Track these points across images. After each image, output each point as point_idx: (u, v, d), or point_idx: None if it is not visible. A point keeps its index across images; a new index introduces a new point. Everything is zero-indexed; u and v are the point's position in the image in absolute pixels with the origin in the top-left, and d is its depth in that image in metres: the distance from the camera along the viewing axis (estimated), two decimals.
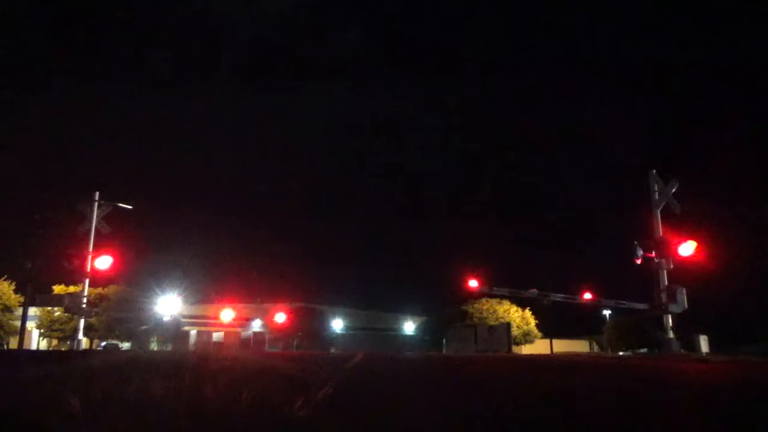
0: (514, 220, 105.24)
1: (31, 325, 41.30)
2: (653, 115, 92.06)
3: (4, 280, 38.78)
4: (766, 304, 36.04)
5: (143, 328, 42.96)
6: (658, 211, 26.31)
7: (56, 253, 29.28)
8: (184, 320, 50.00)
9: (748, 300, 36.91)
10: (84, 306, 28.31)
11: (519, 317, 51.67)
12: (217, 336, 50.83)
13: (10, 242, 33.65)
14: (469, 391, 7.92)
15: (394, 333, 63.36)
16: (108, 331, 43.20)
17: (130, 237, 32.73)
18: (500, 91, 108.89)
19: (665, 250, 25.48)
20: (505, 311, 51.02)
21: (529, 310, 52.43)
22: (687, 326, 27.88)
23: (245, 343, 48.69)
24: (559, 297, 31.04)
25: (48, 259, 30.75)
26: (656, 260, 25.69)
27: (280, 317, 51.20)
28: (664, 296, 25.22)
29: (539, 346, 52.18)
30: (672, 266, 25.46)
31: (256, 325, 55.01)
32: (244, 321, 54.52)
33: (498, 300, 49.90)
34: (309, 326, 51.66)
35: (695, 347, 27.13)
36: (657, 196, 26.39)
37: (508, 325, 44.53)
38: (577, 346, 60.31)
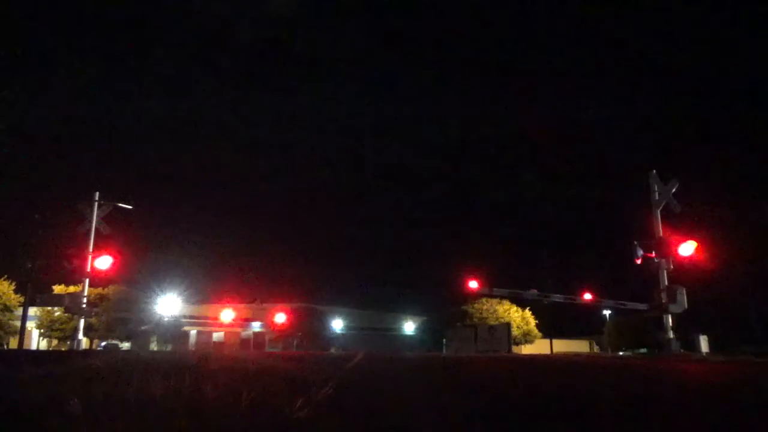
0: (514, 219, 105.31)
1: (31, 325, 41.35)
2: (653, 115, 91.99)
3: (4, 280, 38.81)
4: (766, 304, 36.02)
5: (143, 328, 42.98)
6: (658, 211, 26.32)
7: (56, 253, 29.27)
8: (184, 320, 50.03)
9: (748, 300, 36.90)
10: (84, 306, 28.29)
11: (519, 317, 51.73)
12: (217, 336, 50.92)
13: (10, 242, 33.62)
14: (469, 391, 7.92)
15: (394, 333, 63.38)
16: (108, 331, 43.24)
17: (130, 237, 32.75)
18: (500, 91, 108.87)
19: (665, 250, 25.48)
20: (505, 311, 51.08)
21: (529, 310, 52.48)
22: (687, 326, 27.90)
23: (245, 343, 48.77)
24: (559, 298, 31.05)
25: (48, 259, 30.76)
26: (656, 260, 25.68)
27: (280, 317, 51.21)
28: (664, 296, 25.22)
29: (539, 346, 52.21)
30: (672, 266, 25.45)
31: (256, 325, 55.05)
32: (244, 321, 54.54)
33: (498, 300, 49.96)
34: (309, 326, 51.68)
35: (695, 347, 27.15)
36: (657, 196, 26.39)
37: (508, 325, 44.60)
38: (577, 346, 60.35)
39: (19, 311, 35.30)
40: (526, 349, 49.99)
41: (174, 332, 45.67)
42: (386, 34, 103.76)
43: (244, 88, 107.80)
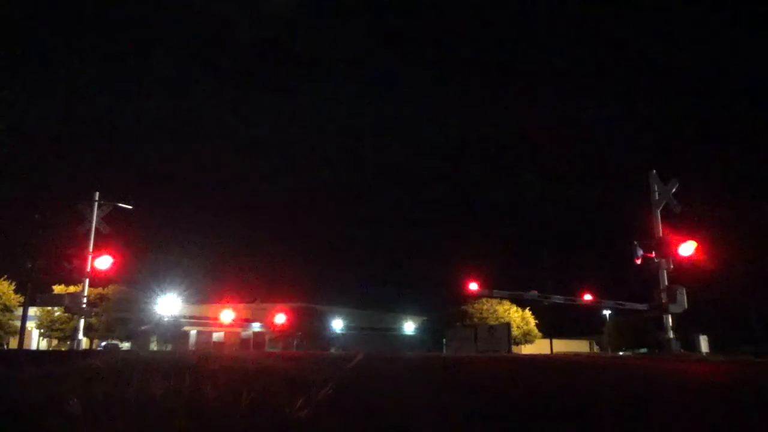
0: (514, 219, 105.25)
1: (31, 325, 41.34)
2: (653, 115, 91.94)
3: (4, 280, 38.81)
4: (766, 304, 35.99)
5: (143, 328, 42.98)
6: (658, 211, 26.32)
7: (56, 253, 29.26)
8: (184, 320, 50.00)
9: (748, 300, 36.87)
10: (84, 306, 28.29)
11: (519, 317, 51.74)
12: (217, 336, 50.98)
13: (10, 242, 33.59)
14: (469, 391, 7.92)
15: (394, 333, 63.36)
16: (108, 331, 43.25)
17: (130, 237, 32.76)
18: (500, 91, 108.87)
19: (665, 250, 25.48)
20: (505, 311, 51.09)
21: (529, 310, 52.47)
22: (687, 326, 27.88)
23: (245, 343, 48.82)
24: (559, 299, 31.04)
25: (48, 259, 30.74)
26: (656, 260, 25.68)
27: (280, 318, 51.19)
28: (664, 296, 25.21)
29: (539, 346, 52.22)
30: (672, 266, 25.45)
31: (256, 325, 55.02)
32: (244, 321, 54.52)
33: (498, 300, 49.92)
34: (309, 326, 51.66)
35: (695, 347, 27.13)
36: (657, 196, 26.39)
37: (508, 326, 44.62)
38: (577, 346, 60.33)
39: (19, 311, 35.30)
40: (526, 349, 50.00)
41: (174, 332, 45.67)
42: (386, 34, 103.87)
43: (244, 88, 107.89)
